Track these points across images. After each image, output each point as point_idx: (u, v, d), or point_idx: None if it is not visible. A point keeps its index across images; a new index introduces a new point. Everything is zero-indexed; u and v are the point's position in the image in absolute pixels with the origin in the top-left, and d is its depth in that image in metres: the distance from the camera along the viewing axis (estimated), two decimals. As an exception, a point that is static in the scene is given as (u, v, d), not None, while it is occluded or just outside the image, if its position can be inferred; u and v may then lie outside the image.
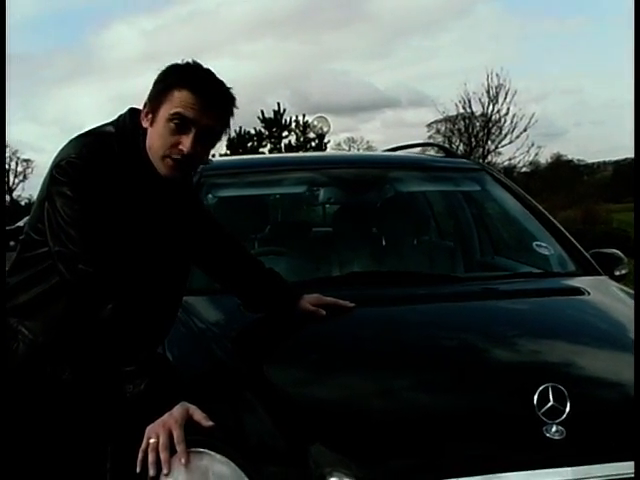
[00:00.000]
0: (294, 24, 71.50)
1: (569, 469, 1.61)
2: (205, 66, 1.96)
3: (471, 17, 65.08)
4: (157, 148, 1.91)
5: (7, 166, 40.16)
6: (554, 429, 1.67)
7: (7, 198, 39.38)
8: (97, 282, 1.83)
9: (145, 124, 1.94)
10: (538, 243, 3.01)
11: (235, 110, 1.99)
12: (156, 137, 1.91)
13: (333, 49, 65.69)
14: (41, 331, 1.94)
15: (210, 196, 3.13)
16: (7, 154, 39.38)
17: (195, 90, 1.88)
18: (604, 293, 2.69)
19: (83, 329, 1.87)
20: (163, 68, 1.96)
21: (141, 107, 1.97)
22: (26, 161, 40.49)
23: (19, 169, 41.15)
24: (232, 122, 2.00)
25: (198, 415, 1.71)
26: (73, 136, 1.97)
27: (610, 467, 1.62)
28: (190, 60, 1.95)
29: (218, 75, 1.97)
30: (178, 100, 1.87)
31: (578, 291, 2.62)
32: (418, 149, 4.37)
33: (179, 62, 1.94)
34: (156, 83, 1.94)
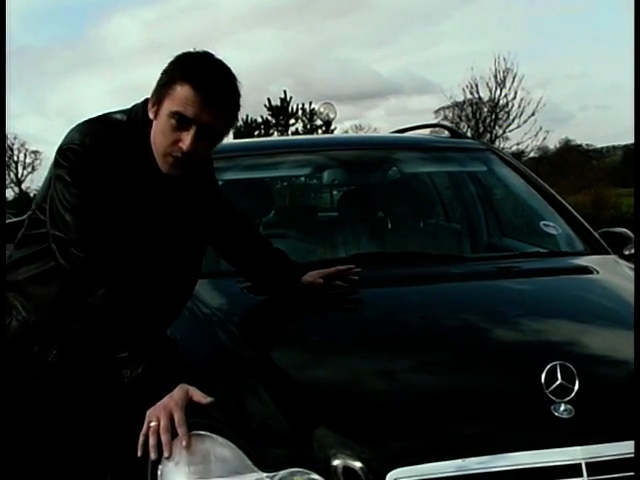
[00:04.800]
0: (296, 12, 71.34)
1: (578, 448, 1.58)
2: (217, 57, 1.88)
3: (474, 4, 64.76)
4: (159, 144, 1.87)
5: (16, 158, 40.31)
6: (562, 408, 1.65)
7: (16, 190, 39.57)
8: (88, 267, 1.82)
9: (151, 115, 1.90)
10: (546, 222, 2.97)
11: (239, 105, 1.92)
12: (159, 132, 1.87)
13: (336, 37, 65.46)
14: (34, 310, 1.95)
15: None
16: (16, 146, 39.63)
17: (197, 86, 1.81)
18: (613, 272, 2.66)
19: (74, 313, 1.87)
20: (172, 56, 1.88)
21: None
22: (34, 153, 40.54)
23: (27, 161, 41.18)
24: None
25: (197, 395, 1.70)
26: (82, 120, 1.95)
27: (620, 446, 1.60)
28: (201, 50, 1.88)
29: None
30: (179, 97, 1.82)
31: (586, 270, 2.60)
32: (425, 131, 4.33)
33: (190, 51, 1.88)
34: (163, 73, 1.88)
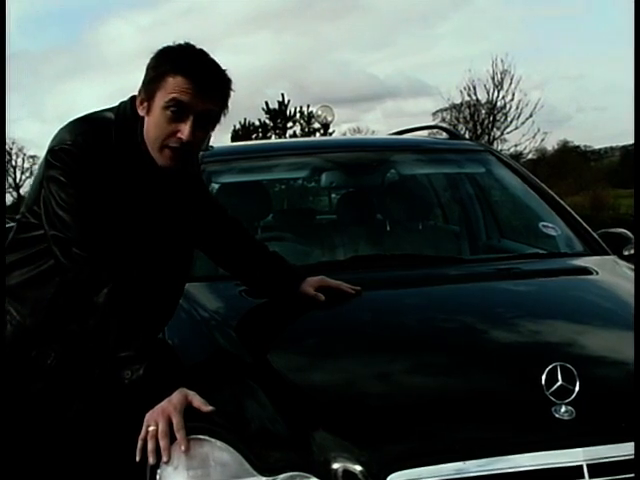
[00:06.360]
0: (291, 16, 71.20)
1: (579, 450, 1.57)
2: (198, 47, 1.90)
3: (470, 6, 64.92)
4: (155, 138, 1.87)
5: (14, 163, 40.28)
6: (563, 409, 1.64)
7: (14, 194, 39.53)
8: (91, 266, 1.81)
9: (141, 112, 1.90)
10: (545, 224, 2.97)
11: (232, 93, 1.93)
12: (153, 126, 1.87)
13: (331, 40, 65.34)
14: (29, 314, 1.93)
15: (212, 183, 3.10)
16: (14, 151, 39.61)
17: (189, 75, 1.82)
18: (612, 272, 2.66)
19: (73, 315, 1.85)
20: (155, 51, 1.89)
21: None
22: (32, 157, 40.39)
23: (26, 165, 41.08)
24: (231, 109, 1.95)
25: (197, 401, 1.69)
26: (72, 119, 1.94)
27: (621, 447, 1.59)
28: (182, 42, 1.89)
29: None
30: (172, 87, 1.82)
31: (586, 271, 2.60)
32: (423, 132, 4.32)
33: (171, 45, 1.89)
34: (149, 69, 1.88)
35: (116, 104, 1.98)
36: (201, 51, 1.90)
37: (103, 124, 1.91)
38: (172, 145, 1.86)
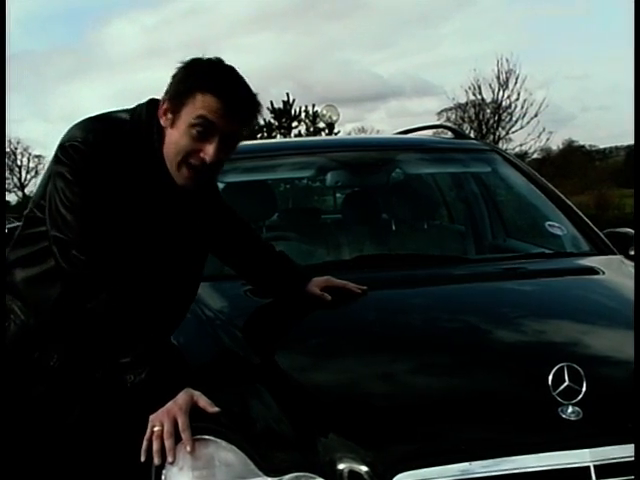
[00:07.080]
0: (294, 16, 71.39)
1: (586, 451, 1.56)
2: (227, 63, 1.86)
3: (471, 7, 65.04)
4: (175, 153, 1.83)
5: (19, 162, 40.37)
6: (570, 410, 1.63)
7: (19, 194, 39.62)
8: (89, 270, 1.78)
9: (164, 123, 1.85)
10: (551, 223, 2.96)
11: (260, 111, 1.91)
12: (175, 142, 1.83)
13: (335, 40, 65.64)
14: (33, 313, 1.90)
15: (217, 182, 3.09)
16: (19, 151, 39.73)
17: (220, 95, 1.79)
18: (618, 272, 2.65)
19: (76, 317, 1.82)
20: (184, 61, 1.85)
21: (160, 100, 1.88)
22: (37, 157, 40.45)
23: (31, 165, 41.14)
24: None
25: (203, 401, 1.68)
26: (85, 117, 1.90)
27: (628, 448, 1.57)
28: (213, 57, 1.86)
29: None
30: (201, 104, 1.79)
31: (592, 271, 2.59)
32: (429, 132, 4.32)
33: (201, 57, 1.85)
34: (178, 82, 1.84)
35: (133, 106, 1.94)
36: (231, 68, 1.86)
37: (116, 125, 1.87)
38: (192, 163, 1.83)
